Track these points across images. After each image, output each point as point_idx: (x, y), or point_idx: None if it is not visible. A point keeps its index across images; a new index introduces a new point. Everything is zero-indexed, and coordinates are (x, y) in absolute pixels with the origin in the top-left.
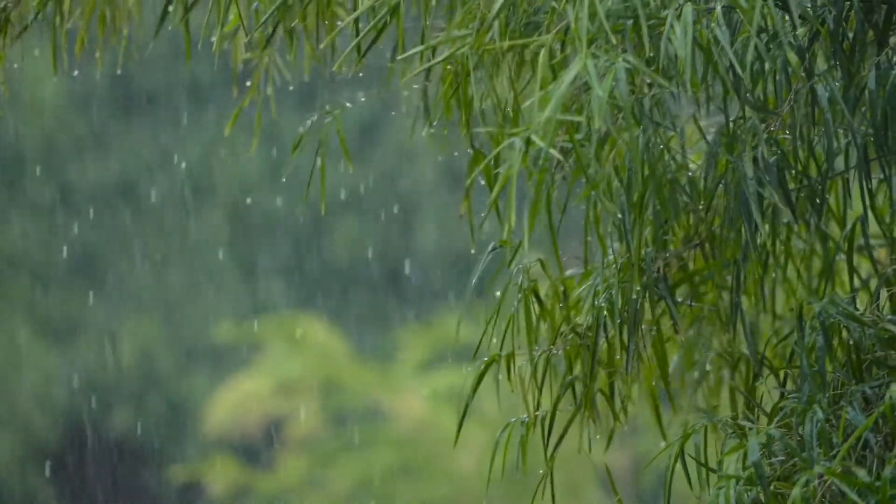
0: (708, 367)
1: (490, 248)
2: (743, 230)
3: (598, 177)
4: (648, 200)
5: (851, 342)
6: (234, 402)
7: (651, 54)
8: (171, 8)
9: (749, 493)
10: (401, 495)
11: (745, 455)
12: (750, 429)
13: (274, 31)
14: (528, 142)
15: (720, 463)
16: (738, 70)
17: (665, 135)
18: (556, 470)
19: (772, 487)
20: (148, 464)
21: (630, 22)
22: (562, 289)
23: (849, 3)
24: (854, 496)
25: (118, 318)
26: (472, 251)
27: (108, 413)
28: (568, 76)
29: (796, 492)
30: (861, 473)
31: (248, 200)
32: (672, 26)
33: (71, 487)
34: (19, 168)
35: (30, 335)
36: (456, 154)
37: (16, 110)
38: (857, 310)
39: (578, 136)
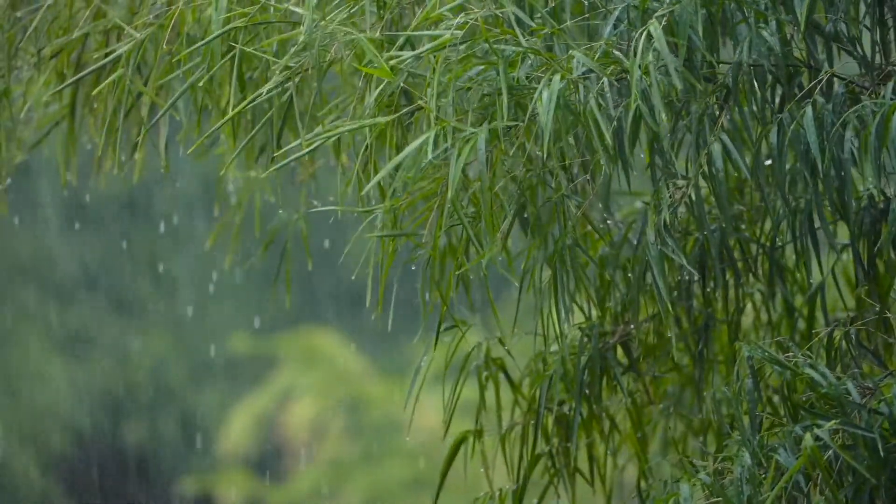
0: (679, 430)
1: (443, 327)
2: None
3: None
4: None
5: (785, 386)
6: (247, 415)
7: (520, 122)
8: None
9: None
10: None
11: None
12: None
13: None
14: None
15: None
16: (608, 138)
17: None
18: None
19: None
20: (161, 476)
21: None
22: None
23: (754, 67)
24: None
25: (132, 331)
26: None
27: (121, 425)
28: (411, 146)
29: None
30: None
31: (264, 215)
32: (540, 94)
33: (85, 499)
34: (29, 182)
35: (44, 349)
36: None
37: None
38: (788, 355)
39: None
